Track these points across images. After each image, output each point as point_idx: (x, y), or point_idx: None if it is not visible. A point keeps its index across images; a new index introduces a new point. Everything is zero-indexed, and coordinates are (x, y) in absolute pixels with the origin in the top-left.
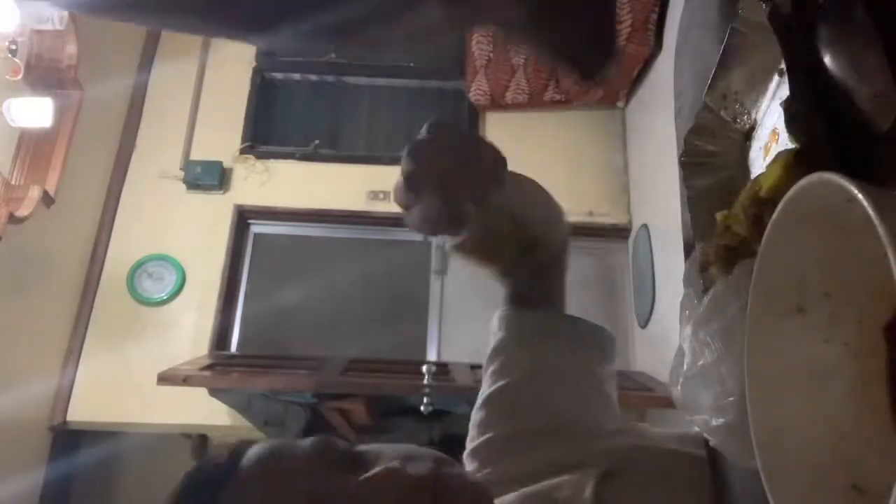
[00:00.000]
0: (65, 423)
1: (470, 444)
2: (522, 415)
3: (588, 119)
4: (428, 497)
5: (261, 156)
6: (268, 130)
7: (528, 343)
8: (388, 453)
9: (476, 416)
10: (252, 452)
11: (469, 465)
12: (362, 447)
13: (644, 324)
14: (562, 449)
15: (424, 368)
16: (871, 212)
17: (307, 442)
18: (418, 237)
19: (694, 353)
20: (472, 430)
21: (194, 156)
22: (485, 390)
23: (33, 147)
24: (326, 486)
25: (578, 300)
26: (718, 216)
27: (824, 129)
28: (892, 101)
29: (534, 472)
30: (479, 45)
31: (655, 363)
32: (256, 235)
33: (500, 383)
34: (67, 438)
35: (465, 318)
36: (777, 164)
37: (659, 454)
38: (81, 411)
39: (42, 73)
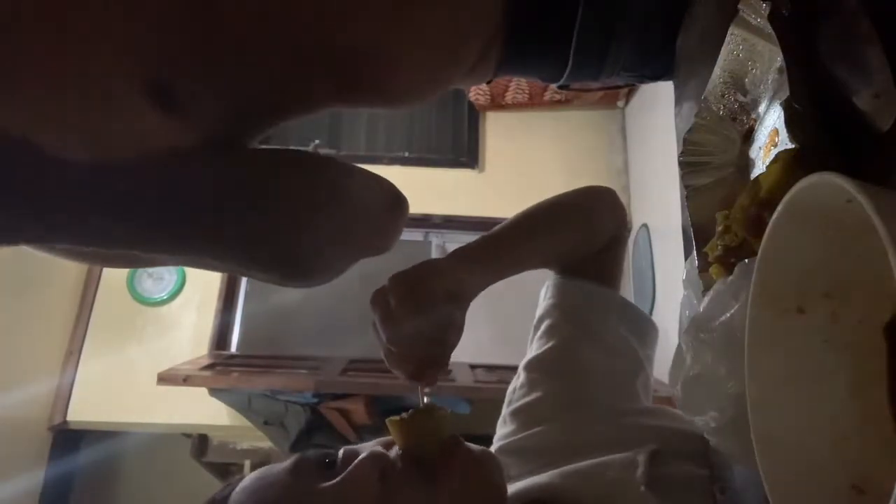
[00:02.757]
0: (65, 423)
1: (514, 405)
2: (568, 375)
3: (588, 119)
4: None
5: None
6: None
7: (576, 311)
8: (367, 445)
9: (520, 379)
10: (240, 485)
11: (509, 426)
12: (345, 447)
13: None
14: (608, 425)
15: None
16: (871, 212)
17: (285, 462)
18: (418, 237)
19: (694, 353)
20: (515, 393)
21: None
22: (530, 355)
23: None
24: (304, 498)
25: None
26: (718, 216)
27: (824, 129)
28: (892, 101)
29: (582, 443)
30: None
31: (656, 363)
32: None
33: (545, 347)
34: (67, 438)
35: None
36: (777, 164)
37: (697, 438)
38: (81, 411)
39: None
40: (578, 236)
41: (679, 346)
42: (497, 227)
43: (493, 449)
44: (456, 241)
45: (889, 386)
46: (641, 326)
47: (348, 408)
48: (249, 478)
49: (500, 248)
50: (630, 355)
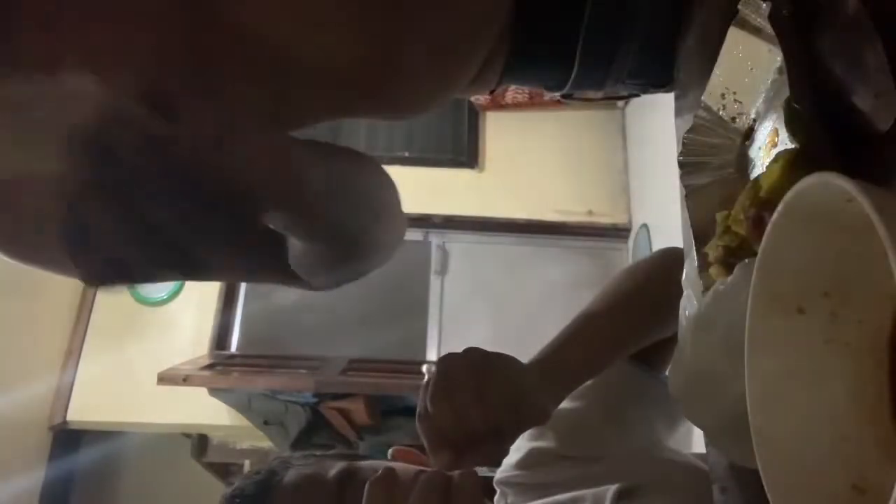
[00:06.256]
0: (65, 423)
1: (520, 440)
2: (580, 441)
3: (588, 119)
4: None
5: None
6: None
7: (611, 390)
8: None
9: None
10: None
11: (511, 458)
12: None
13: None
14: (592, 463)
15: (424, 368)
16: (870, 212)
17: (332, 471)
18: (418, 237)
19: (694, 353)
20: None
21: None
22: None
23: None
24: None
25: (578, 300)
26: (718, 217)
27: (824, 129)
28: (892, 101)
29: (563, 479)
30: None
31: None
32: None
33: (567, 405)
34: (67, 438)
35: (465, 318)
36: (777, 164)
37: (676, 469)
38: (81, 411)
39: None
40: (658, 334)
41: (679, 346)
42: (579, 334)
43: (495, 479)
44: (456, 240)
45: (889, 386)
46: (671, 410)
47: (348, 407)
48: (294, 483)
49: (588, 371)
50: (650, 431)
